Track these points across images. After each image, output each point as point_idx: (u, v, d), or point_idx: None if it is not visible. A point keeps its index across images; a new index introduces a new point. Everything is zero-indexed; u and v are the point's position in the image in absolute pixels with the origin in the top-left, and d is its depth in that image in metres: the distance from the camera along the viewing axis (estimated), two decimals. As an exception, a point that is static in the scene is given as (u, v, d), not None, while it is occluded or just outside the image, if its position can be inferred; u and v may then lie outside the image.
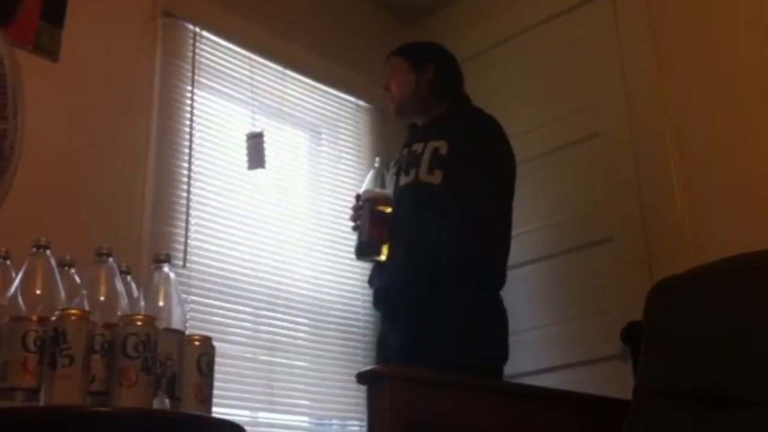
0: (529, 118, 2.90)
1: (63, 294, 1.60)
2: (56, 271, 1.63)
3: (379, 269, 2.40)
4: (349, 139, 3.15)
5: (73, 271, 1.73)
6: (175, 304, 1.64)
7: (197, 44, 2.69)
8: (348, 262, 2.88)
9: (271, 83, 2.91)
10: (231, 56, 2.81)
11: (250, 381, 2.54)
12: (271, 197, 2.79)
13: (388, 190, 2.37)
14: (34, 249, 1.63)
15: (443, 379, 1.88)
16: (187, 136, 2.59)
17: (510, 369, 2.33)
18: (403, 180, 2.35)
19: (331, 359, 2.78)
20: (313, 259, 2.85)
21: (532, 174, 2.69)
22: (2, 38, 2.14)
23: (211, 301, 2.51)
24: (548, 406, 2.03)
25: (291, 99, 2.97)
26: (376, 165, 2.43)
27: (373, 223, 2.31)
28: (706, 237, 2.39)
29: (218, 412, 1.69)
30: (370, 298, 2.55)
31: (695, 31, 2.57)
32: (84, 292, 1.60)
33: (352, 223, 2.44)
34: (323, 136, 3.09)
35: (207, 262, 2.54)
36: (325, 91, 3.10)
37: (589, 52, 2.84)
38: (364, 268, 2.73)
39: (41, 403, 1.45)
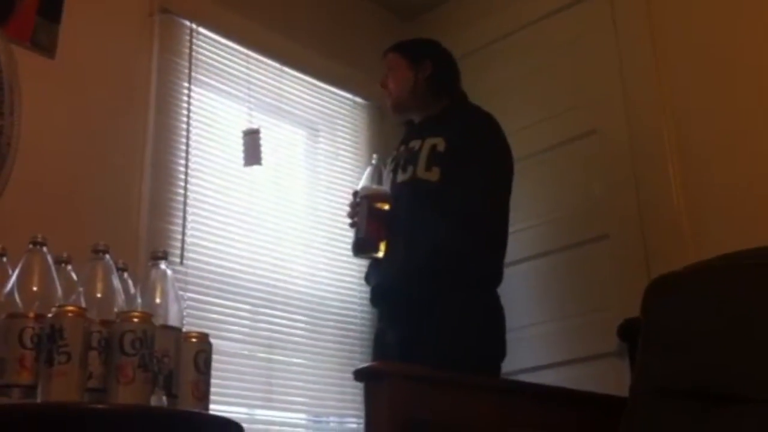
0: (527, 114, 2.90)
1: (60, 291, 1.60)
2: (53, 268, 1.63)
3: (376, 266, 2.40)
4: (347, 136, 3.15)
5: (69, 268, 1.72)
6: (171, 301, 1.64)
7: (194, 41, 2.69)
8: (345, 258, 2.87)
9: (268, 80, 2.90)
10: (228, 53, 2.80)
11: (248, 378, 2.54)
12: (268, 194, 2.78)
13: (386, 187, 2.37)
14: (30, 246, 1.62)
15: (441, 376, 1.88)
16: (184, 133, 2.58)
17: (507, 366, 2.33)
18: (401, 177, 2.35)
19: (329, 356, 2.78)
20: (311, 255, 2.84)
21: (530, 171, 2.69)
22: (-1, 35, 2.14)
23: (208, 298, 2.51)
24: (546, 403, 2.03)
25: (288, 96, 2.96)
26: (374, 162, 2.43)
27: (370, 219, 2.31)
28: (703, 234, 2.39)
29: (216, 409, 1.70)
30: (368, 295, 2.55)
31: (693, 29, 2.57)
32: (81, 289, 1.60)
33: (349, 220, 2.44)
34: (320, 133, 3.08)
35: (204, 259, 2.53)
36: (322, 88, 3.09)
37: (588, 49, 2.83)
38: (361, 265, 2.73)
39: (38, 400, 1.45)
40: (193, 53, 2.67)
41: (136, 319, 1.51)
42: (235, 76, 2.80)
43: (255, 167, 2.67)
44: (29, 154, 2.17)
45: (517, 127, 2.65)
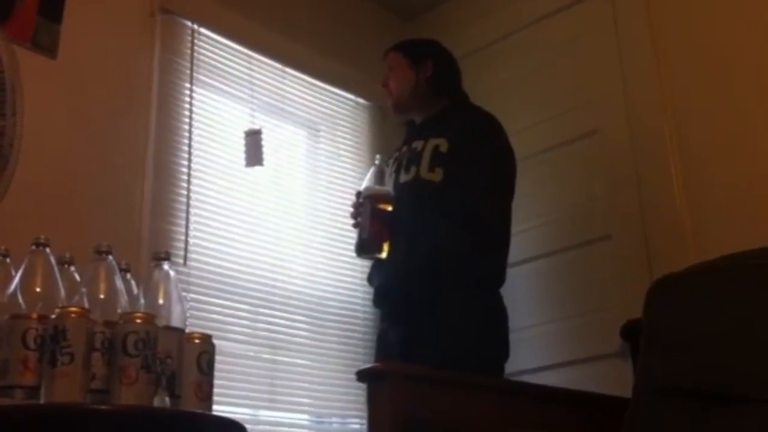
0: (528, 115, 2.90)
1: (63, 292, 1.60)
2: (56, 268, 1.62)
3: (378, 267, 2.40)
4: (348, 136, 3.15)
5: (72, 268, 1.73)
6: (174, 301, 1.64)
7: (196, 41, 2.69)
8: (347, 259, 2.88)
9: (269, 80, 2.90)
10: (229, 53, 2.80)
11: (251, 379, 2.54)
12: (270, 195, 2.78)
13: (389, 188, 2.36)
14: (33, 247, 1.62)
15: (443, 376, 1.88)
16: (186, 134, 2.58)
17: (509, 366, 2.33)
18: (404, 177, 2.35)
19: (331, 357, 2.78)
20: (313, 256, 2.85)
21: (531, 171, 2.68)
22: (0, 35, 2.14)
23: (211, 299, 2.51)
24: (547, 404, 2.03)
25: (290, 96, 2.96)
26: (377, 162, 2.42)
27: (373, 220, 2.30)
28: (705, 234, 2.39)
29: (219, 410, 1.70)
30: (370, 296, 2.55)
31: (694, 29, 2.57)
32: (84, 289, 1.60)
33: (351, 221, 2.43)
34: (322, 133, 3.08)
35: (207, 259, 2.53)
36: (323, 89, 3.09)
37: (588, 49, 2.83)
38: (363, 265, 2.73)
39: (41, 401, 1.45)
40: (195, 53, 2.67)
41: (139, 320, 1.51)
42: (236, 76, 2.80)
43: (256, 167, 2.67)
44: (31, 155, 2.17)
45: (518, 127, 2.65)
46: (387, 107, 2.67)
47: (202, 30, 2.72)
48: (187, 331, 1.64)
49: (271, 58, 2.91)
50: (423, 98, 2.48)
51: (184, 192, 2.53)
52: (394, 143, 2.61)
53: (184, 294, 1.79)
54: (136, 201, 2.43)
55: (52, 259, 1.63)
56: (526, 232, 2.73)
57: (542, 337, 2.69)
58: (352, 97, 3.19)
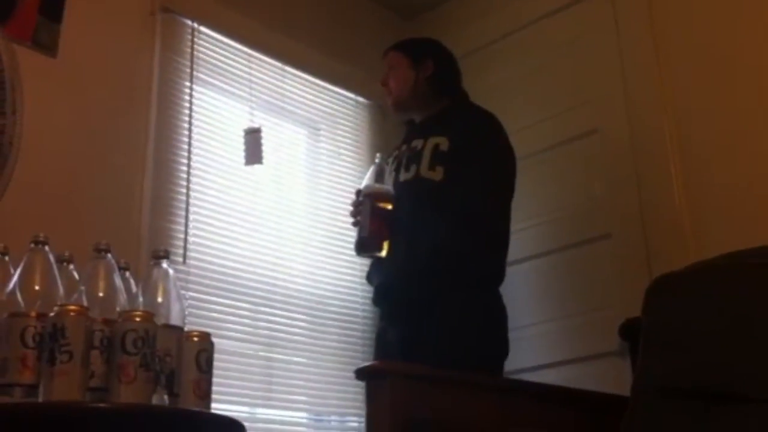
0: (528, 114, 2.90)
1: (62, 290, 1.60)
2: (55, 266, 1.62)
3: (377, 266, 2.40)
4: (348, 135, 3.15)
5: (71, 267, 1.73)
6: (173, 300, 1.64)
7: (196, 40, 2.69)
8: (346, 258, 2.88)
9: (269, 79, 2.91)
10: (229, 52, 2.80)
11: (249, 377, 2.55)
12: (270, 193, 2.79)
13: (389, 186, 2.36)
14: (32, 245, 1.62)
15: (442, 375, 1.88)
16: (186, 132, 2.58)
17: (509, 365, 2.33)
18: (404, 176, 2.35)
19: (330, 355, 2.78)
20: (312, 255, 2.85)
21: (531, 170, 2.68)
22: (1, 34, 2.14)
23: (210, 297, 2.51)
24: (546, 402, 2.03)
25: (289, 95, 2.97)
26: (377, 160, 2.42)
27: (373, 219, 2.30)
28: (704, 234, 2.39)
29: (217, 408, 1.70)
30: (369, 295, 2.55)
31: (695, 28, 2.57)
32: (82, 288, 1.60)
33: (350, 219, 2.43)
34: (322, 132, 3.08)
35: (206, 258, 2.54)
36: (323, 87, 3.09)
37: (589, 48, 2.83)
38: (362, 264, 2.73)
39: (40, 399, 1.45)
40: (195, 52, 2.67)
41: (138, 319, 1.51)
42: (236, 75, 2.80)
43: (256, 166, 2.67)
44: (31, 153, 2.18)
45: (518, 126, 2.65)
46: (387, 106, 2.66)
47: (202, 29, 2.72)
48: (185, 329, 1.64)
49: (271, 57, 2.91)
50: (423, 97, 2.48)
51: (184, 190, 2.53)
52: (394, 142, 2.61)
53: (182, 292, 1.79)
54: (135, 199, 2.43)
55: (51, 257, 1.62)
56: (526, 230, 2.73)
57: (542, 335, 2.69)
58: (352, 95, 3.19)
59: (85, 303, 1.55)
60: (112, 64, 2.48)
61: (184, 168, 2.55)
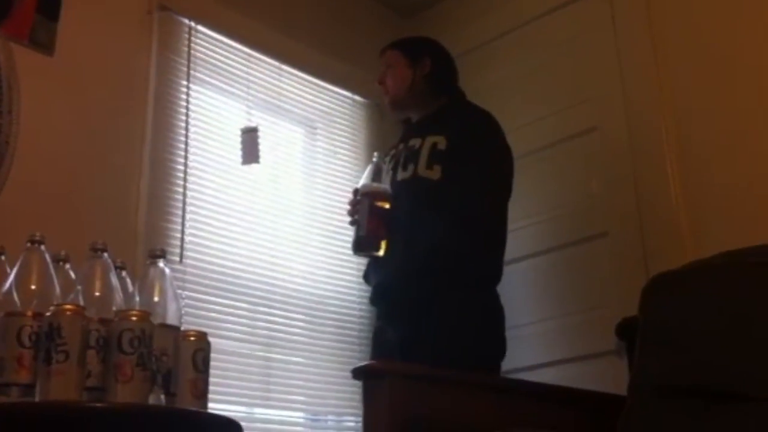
0: (527, 112, 2.90)
1: (58, 289, 1.60)
2: (51, 266, 1.62)
3: (375, 265, 2.39)
4: (345, 134, 3.14)
5: (68, 266, 1.72)
6: (170, 299, 1.64)
7: (193, 39, 2.69)
8: (343, 257, 2.88)
9: (266, 78, 2.90)
10: (226, 51, 2.80)
11: (246, 377, 2.54)
12: (267, 192, 2.78)
13: (386, 185, 2.36)
14: (28, 244, 1.62)
15: (439, 374, 1.87)
16: (183, 131, 2.58)
17: (506, 364, 2.33)
18: (401, 175, 2.35)
19: (327, 355, 2.78)
20: (309, 254, 2.84)
21: (529, 168, 2.68)
22: (-3, 32, 2.14)
23: (206, 297, 2.51)
24: (544, 401, 2.03)
25: (286, 94, 2.96)
26: (375, 159, 2.41)
27: (371, 218, 2.29)
28: (702, 232, 2.39)
29: (214, 407, 1.69)
30: (366, 294, 2.54)
31: (693, 27, 2.57)
32: (79, 287, 1.60)
33: (347, 219, 2.43)
34: (319, 131, 3.08)
35: (202, 257, 2.53)
36: (320, 86, 3.09)
37: (587, 46, 2.83)
38: (359, 263, 2.72)
39: (37, 399, 1.45)
40: (192, 51, 2.67)
41: (134, 318, 1.51)
42: (233, 74, 2.79)
43: (253, 165, 2.67)
44: (27, 153, 2.17)
45: (516, 124, 2.65)
46: (384, 105, 2.66)
47: (199, 27, 2.72)
48: (182, 328, 1.63)
49: (268, 56, 2.91)
50: (420, 96, 2.48)
51: (181, 189, 2.52)
52: (392, 141, 2.61)
53: (179, 292, 1.79)
54: (132, 198, 2.43)
55: (48, 257, 1.63)
56: (524, 228, 2.73)
57: (539, 334, 2.69)
58: (349, 94, 3.19)
59: (82, 302, 1.55)
60: (109, 63, 2.48)
61: (181, 167, 2.54)
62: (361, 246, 2.34)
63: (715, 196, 2.41)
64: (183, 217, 2.50)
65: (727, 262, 1.85)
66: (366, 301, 2.66)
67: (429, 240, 2.21)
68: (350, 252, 2.42)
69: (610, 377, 2.35)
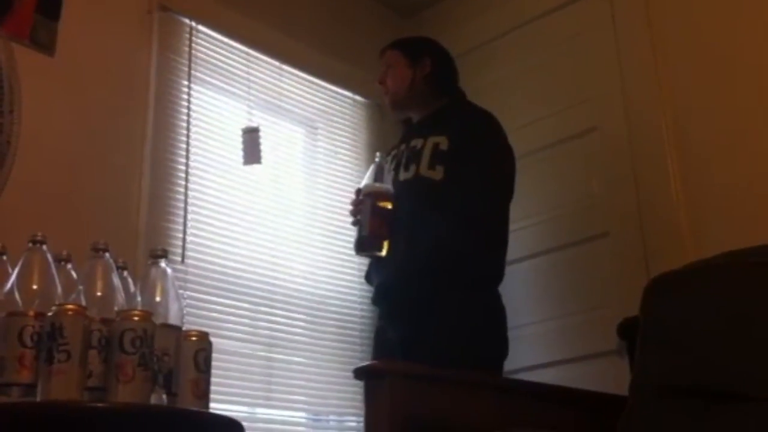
0: (527, 112, 2.90)
1: (60, 289, 1.60)
2: (53, 266, 1.62)
3: (377, 265, 2.39)
4: (346, 134, 3.14)
5: (69, 266, 1.72)
6: (172, 299, 1.64)
7: (193, 39, 2.69)
8: (345, 257, 2.88)
9: (267, 78, 2.90)
10: (227, 51, 2.80)
11: (248, 376, 2.54)
12: (268, 192, 2.78)
13: (389, 185, 2.36)
14: (30, 244, 1.62)
15: (440, 374, 1.87)
16: (184, 131, 2.58)
17: (507, 364, 2.33)
18: (403, 175, 2.34)
19: (329, 355, 2.78)
20: (310, 254, 2.84)
21: (529, 168, 2.68)
22: (-2, 32, 2.14)
23: (208, 297, 2.51)
24: (545, 402, 2.03)
25: (287, 94, 2.96)
26: (377, 159, 2.40)
27: (374, 218, 2.29)
28: (702, 233, 2.39)
29: (216, 407, 1.69)
30: (367, 294, 2.54)
31: (693, 26, 2.57)
32: (81, 287, 1.60)
33: (349, 218, 2.43)
34: (320, 131, 3.08)
35: (204, 257, 2.53)
36: (321, 86, 3.09)
37: (587, 46, 2.83)
38: (361, 263, 2.72)
39: (38, 399, 1.45)
40: (193, 51, 2.67)
41: (136, 318, 1.51)
42: (234, 74, 2.79)
43: (254, 165, 2.67)
44: (29, 152, 2.17)
45: (516, 124, 2.65)
46: (385, 104, 2.66)
47: (200, 27, 2.72)
48: (184, 328, 1.63)
49: (269, 56, 2.91)
50: (421, 96, 2.48)
51: (182, 190, 2.52)
52: (392, 141, 2.61)
53: (181, 292, 1.79)
54: (133, 198, 2.43)
55: (49, 257, 1.63)
56: (525, 229, 2.73)
57: (540, 334, 2.69)
58: (350, 94, 3.19)
59: (83, 302, 1.55)
60: (110, 63, 2.48)
61: (183, 167, 2.55)
62: (363, 246, 2.34)
63: (715, 196, 2.41)
64: (185, 217, 2.50)
65: (728, 262, 1.85)
66: (367, 301, 2.66)
67: (430, 240, 2.21)
68: (352, 252, 2.42)
69: (611, 377, 2.35)
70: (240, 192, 2.69)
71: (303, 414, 2.73)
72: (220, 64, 2.76)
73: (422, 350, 2.16)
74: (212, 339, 1.65)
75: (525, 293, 2.74)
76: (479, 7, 3.21)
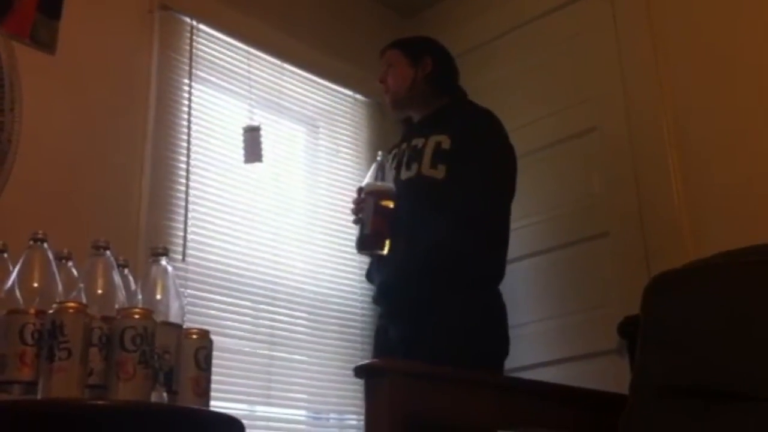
0: (527, 112, 2.90)
1: (60, 287, 1.60)
2: (54, 264, 1.63)
3: (378, 264, 2.39)
4: (347, 132, 3.14)
5: (70, 264, 1.72)
6: (172, 297, 1.64)
7: (194, 37, 2.69)
8: (346, 255, 2.88)
9: (268, 77, 2.90)
10: (228, 49, 2.80)
11: (249, 375, 2.55)
12: (269, 191, 2.78)
13: (391, 184, 2.35)
14: (31, 242, 1.62)
15: (441, 373, 1.87)
16: (185, 130, 2.58)
17: (508, 363, 2.33)
18: (405, 174, 2.34)
19: (329, 353, 2.78)
20: (311, 252, 2.85)
21: (530, 168, 2.68)
22: (-1, 31, 2.14)
23: (209, 295, 2.51)
24: (545, 400, 2.03)
25: (288, 93, 2.97)
26: (379, 158, 2.40)
27: (376, 217, 2.29)
28: (703, 232, 2.40)
29: (216, 405, 1.69)
30: (368, 293, 2.54)
31: (694, 26, 2.57)
32: (81, 285, 1.60)
33: (350, 217, 2.42)
34: (321, 129, 3.08)
35: (205, 255, 2.54)
36: (322, 85, 3.09)
37: (588, 46, 2.84)
38: (362, 262, 2.73)
39: (39, 396, 1.45)
40: (194, 50, 2.67)
41: (136, 316, 1.51)
42: (235, 72, 2.80)
43: (255, 164, 2.67)
44: (30, 151, 2.17)
45: (517, 124, 2.65)
46: (386, 104, 2.66)
47: (201, 26, 2.72)
48: (184, 326, 1.64)
49: (270, 55, 2.91)
50: (421, 95, 2.48)
51: (183, 188, 2.53)
52: (393, 140, 2.61)
53: (181, 290, 1.79)
54: (134, 196, 2.43)
55: (50, 255, 1.63)
56: (526, 228, 2.73)
57: (540, 333, 2.69)
58: (350, 93, 3.19)
59: (84, 300, 1.55)
60: (111, 62, 2.48)
61: (183, 165, 2.55)
62: (365, 244, 2.34)
63: (715, 196, 2.41)
64: (185, 215, 2.50)
65: (728, 261, 1.85)
66: (368, 299, 2.66)
67: (431, 239, 2.21)
68: (353, 250, 2.42)
69: (611, 376, 2.35)
70: (241, 190, 2.70)
71: (303, 412, 2.74)
72: (221, 62, 2.77)
73: (423, 349, 2.16)
74: (213, 337, 1.65)
75: (526, 292, 2.74)
76: (479, 7, 3.21)
